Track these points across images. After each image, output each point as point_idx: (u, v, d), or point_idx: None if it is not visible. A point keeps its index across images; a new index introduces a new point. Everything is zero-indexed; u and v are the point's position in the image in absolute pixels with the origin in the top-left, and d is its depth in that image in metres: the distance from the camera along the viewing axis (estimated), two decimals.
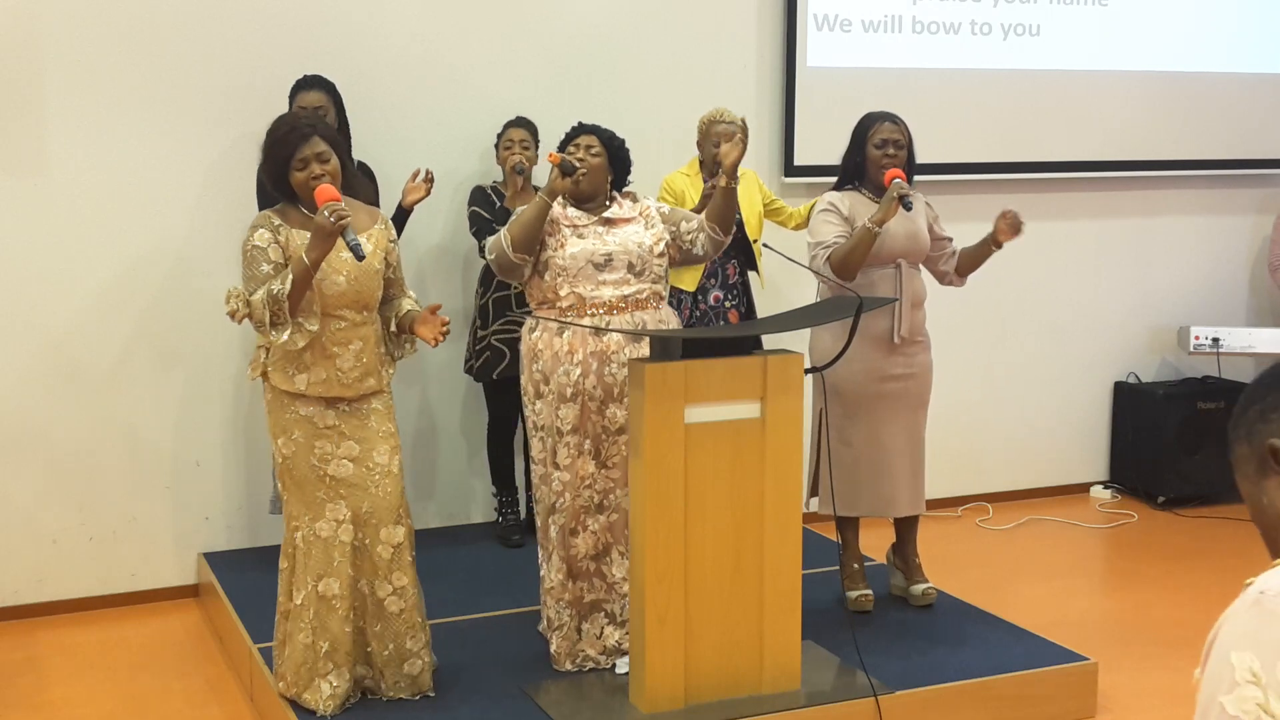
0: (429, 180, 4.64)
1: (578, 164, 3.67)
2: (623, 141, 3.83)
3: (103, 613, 4.69)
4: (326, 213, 3.20)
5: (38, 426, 4.63)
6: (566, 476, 3.63)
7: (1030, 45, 5.74)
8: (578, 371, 3.59)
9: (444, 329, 3.42)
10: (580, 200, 3.74)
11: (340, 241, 3.29)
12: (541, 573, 3.83)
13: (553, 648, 3.74)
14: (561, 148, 3.80)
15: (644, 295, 3.68)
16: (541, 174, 4.90)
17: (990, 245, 4.23)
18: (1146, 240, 6.14)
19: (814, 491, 4.28)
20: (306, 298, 3.30)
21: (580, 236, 3.67)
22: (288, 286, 3.25)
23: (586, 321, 3.60)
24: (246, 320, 3.34)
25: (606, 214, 3.74)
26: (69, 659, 4.30)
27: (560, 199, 3.70)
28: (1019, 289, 5.85)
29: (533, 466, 3.78)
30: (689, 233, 3.75)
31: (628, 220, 3.75)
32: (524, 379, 3.75)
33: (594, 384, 3.60)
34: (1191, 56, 6.01)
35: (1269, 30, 6.16)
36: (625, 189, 3.86)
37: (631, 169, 3.88)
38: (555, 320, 3.62)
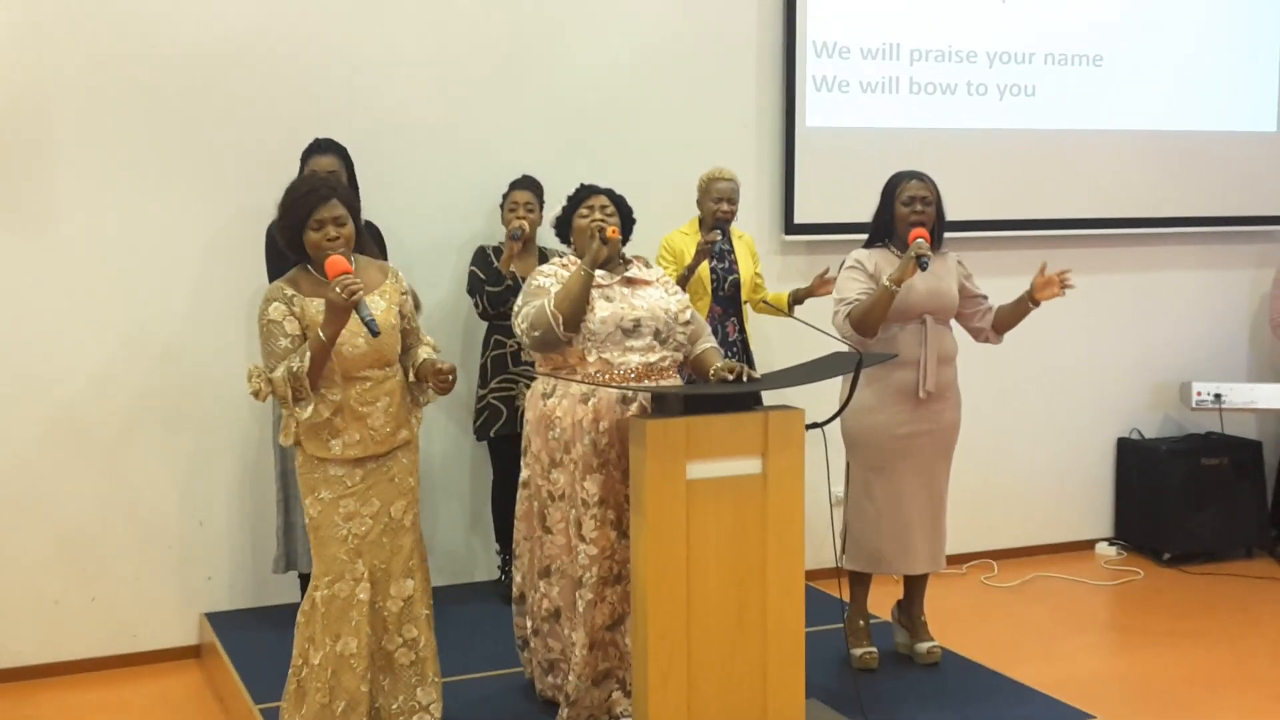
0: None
1: (608, 222, 3.67)
2: (623, 197, 3.86)
3: (105, 674, 4.67)
4: (339, 289, 3.21)
5: (42, 486, 4.63)
6: (594, 550, 3.56)
7: (1026, 105, 5.81)
8: (605, 440, 3.54)
9: (447, 378, 3.41)
10: (603, 263, 3.69)
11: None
12: (528, 635, 3.78)
13: (565, 717, 3.68)
14: (570, 209, 3.80)
15: (666, 363, 3.66)
16: (546, 234, 4.94)
17: (1027, 303, 4.24)
18: (1146, 296, 6.18)
19: (845, 548, 4.27)
20: (326, 368, 3.32)
21: (607, 299, 3.62)
22: (306, 363, 3.26)
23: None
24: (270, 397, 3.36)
25: (628, 274, 3.72)
26: None
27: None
28: (1020, 345, 5.84)
29: (548, 536, 3.67)
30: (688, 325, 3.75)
31: (648, 283, 3.73)
32: (535, 446, 3.67)
33: (620, 452, 3.55)
34: (1186, 115, 6.08)
35: (1261, 89, 6.23)
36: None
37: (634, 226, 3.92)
38: (571, 379, 3.56)
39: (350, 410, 3.37)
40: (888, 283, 3.99)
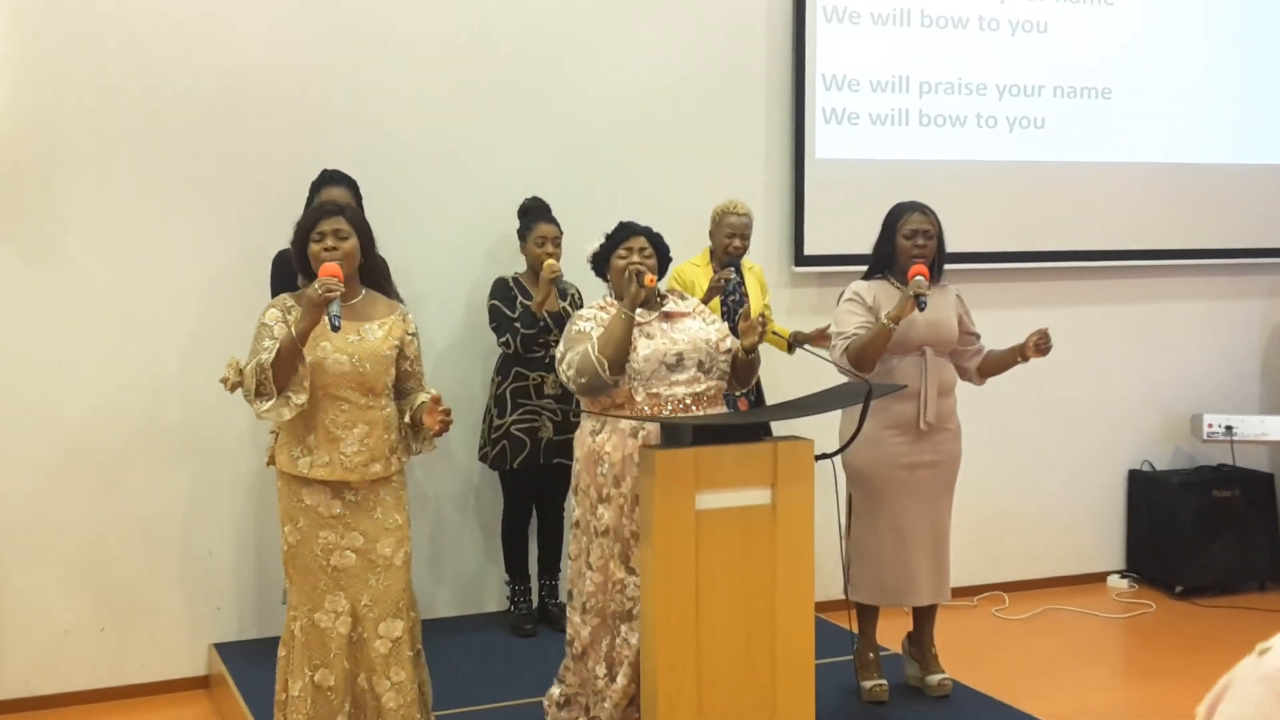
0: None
1: (644, 268, 3.65)
2: (660, 236, 3.85)
3: (114, 704, 4.66)
4: (317, 286, 3.26)
5: (52, 516, 4.64)
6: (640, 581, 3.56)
7: (1036, 137, 5.83)
8: None
9: (445, 419, 3.42)
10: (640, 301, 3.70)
11: (351, 322, 3.36)
12: (567, 674, 3.76)
13: None
14: (609, 248, 3.77)
15: (712, 392, 3.67)
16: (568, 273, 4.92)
17: (1016, 356, 4.25)
18: (1157, 328, 6.17)
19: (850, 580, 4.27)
20: (299, 373, 3.33)
21: (649, 336, 3.64)
22: (273, 355, 3.29)
23: (655, 417, 3.54)
24: (239, 390, 3.38)
25: (665, 308, 3.73)
26: None
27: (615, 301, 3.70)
28: (1031, 378, 5.84)
29: (589, 573, 3.64)
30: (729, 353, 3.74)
31: (684, 315, 3.74)
32: (584, 482, 3.66)
33: None
34: (1196, 147, 6.10)
35: (1271, 121, 6.24)
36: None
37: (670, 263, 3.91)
38: (617, 416, 3.56)
39: (324, 430, 3.38)
40: (886, 320, 3.99)
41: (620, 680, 3.58)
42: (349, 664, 3.43)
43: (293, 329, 3.30)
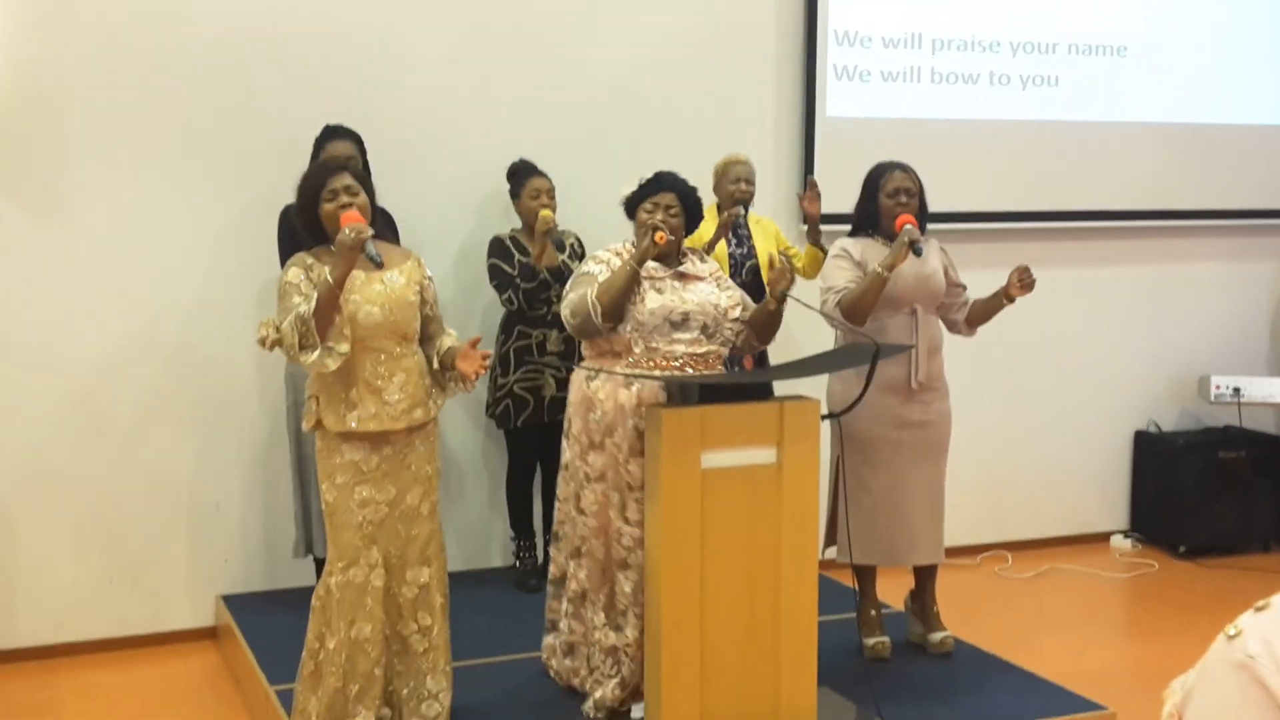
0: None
1: (660, 226, 3.61)
2: (694, 190, 3.78)
3: (121, 654, 4.71)
4: (348, 230, 3.27)
5: (59, 470, 4.67)
6: (638, 533, 3.55)
7: (1049, 95, 5.78)
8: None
9: (484, 363, 3.46)
10: (657, 256, 3.68)
11: (374, 272, 3.39)
12: (559, 618, 3.80)
13: (607, 694, 3.66)
14: (639, 196, 3.73)
15: (711, 357, 3.67)
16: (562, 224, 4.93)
17: (1002, 299, 4.24)
18: (1165, 289, 6.15)
19: (831, 540, 4.27)
20: (337, 323, 3.34)
21: (659, 291, 3.63)
22: (313, 305, 3.29)
23: (659, 375, 3.55)
24: (278, 349, 3.38)
25: (681, 268, 3.71)
26: (88, 701, 4.32)
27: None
28: (1038, 338, 5.85)
29: (580, 517, 3.69)
30: (737, 321, 3.74)
31: (699, 278, 3.73)
32: (575, 427, 3.69)
33: None
34: (1210, 107, 6.04)
35: None
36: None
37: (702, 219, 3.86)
38: (619, 373, 3.56)
39: (365, 383, 3.40)
40: (879, 269, 3.98)
41: (630, 633, 3.60)
42: (383, 614, 3.47)
43: (329, 276, 3.30)
